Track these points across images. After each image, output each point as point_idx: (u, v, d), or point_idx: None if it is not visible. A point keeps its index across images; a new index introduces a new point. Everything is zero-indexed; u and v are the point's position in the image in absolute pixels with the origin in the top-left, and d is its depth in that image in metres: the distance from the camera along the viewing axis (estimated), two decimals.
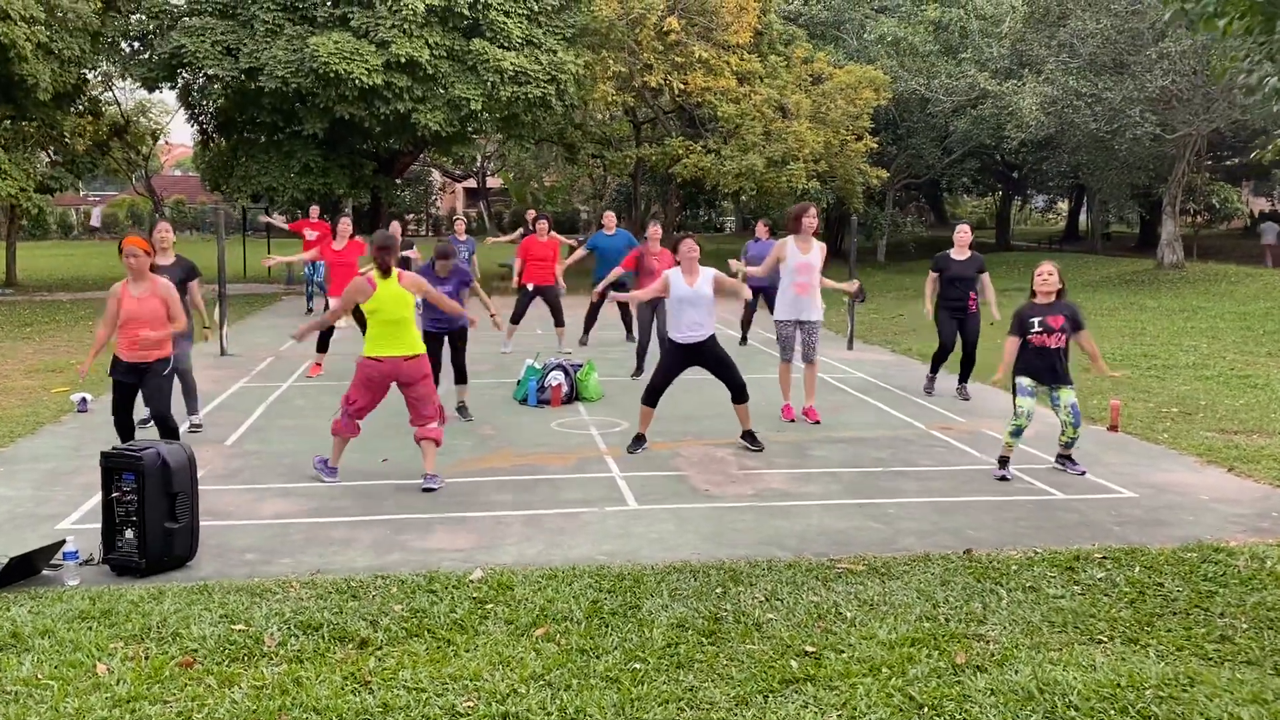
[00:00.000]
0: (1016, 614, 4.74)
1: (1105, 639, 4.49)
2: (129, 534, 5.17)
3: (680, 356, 7.86)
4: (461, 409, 9.27)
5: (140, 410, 8.20)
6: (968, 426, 8.87)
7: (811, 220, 8.83)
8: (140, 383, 6.66)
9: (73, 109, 22.26)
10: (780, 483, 7.06)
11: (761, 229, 13.57)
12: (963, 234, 9.95)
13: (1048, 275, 7.09)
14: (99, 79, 23.99)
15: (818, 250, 8.83)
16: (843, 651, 4.32)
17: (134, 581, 5.13)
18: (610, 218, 13.01)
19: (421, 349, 6.91)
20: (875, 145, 24.74)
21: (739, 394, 7.90)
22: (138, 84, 22.49)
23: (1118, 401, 9.01)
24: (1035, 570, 5.31)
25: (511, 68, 20.15)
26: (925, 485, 7.02)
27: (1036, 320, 7.04)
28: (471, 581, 5.07)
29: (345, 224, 11.44)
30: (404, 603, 4.81)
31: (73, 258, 36.38)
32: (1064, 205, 51.37)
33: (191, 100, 22.88)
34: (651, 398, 7.91)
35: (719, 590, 4.98)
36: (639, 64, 23.18)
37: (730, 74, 23.18)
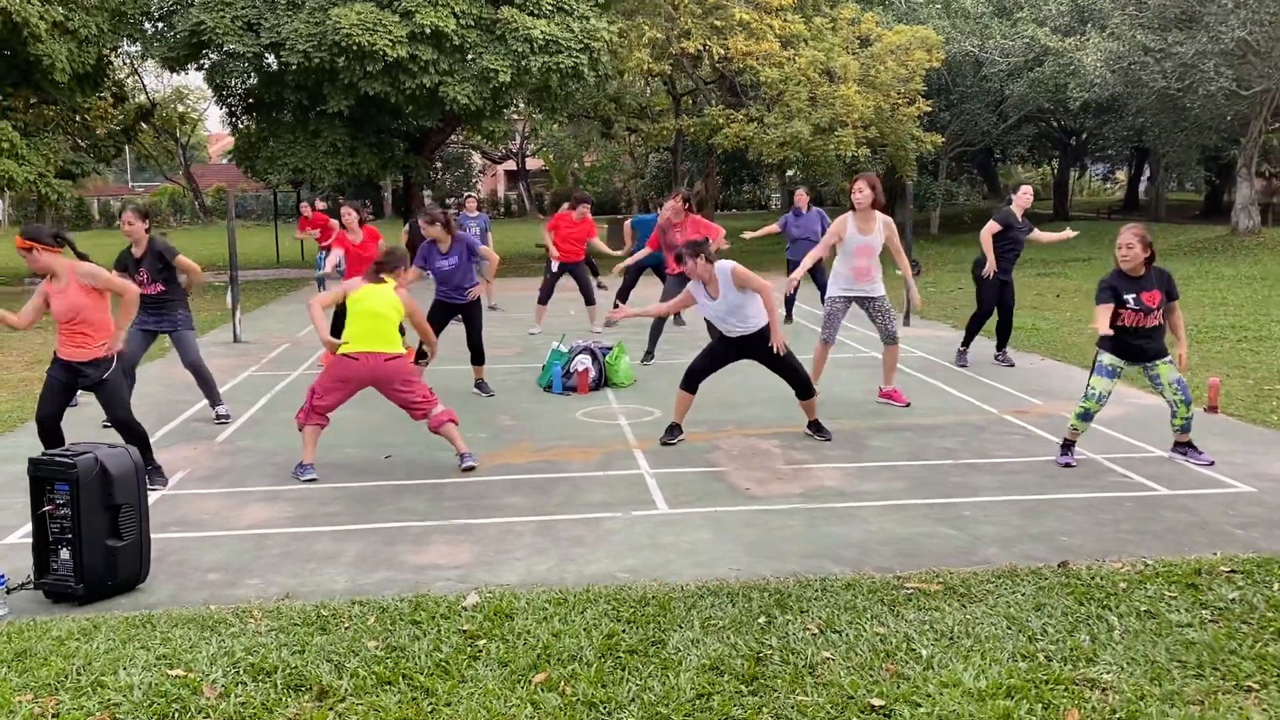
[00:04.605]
0: (1135, 649, 3.79)
1: (1256, 685, 3.53)
2: (64, 554, 4.39)
3: (729, 347, 6.94)
4: (480, 385, 8.64)
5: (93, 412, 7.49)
6: (1045, 409, 7.85)
7: (862, 195, 7.70)
8: (93, 390, 5.87)
9: (95, 93, 21.69)
10: (834, 479, 6.12)
11: (801, 198, 12.37)
12: (1025, 195, 9.51)
13: (1127, 249, 6.01)
14: (125, 62, 23.43)
15: (881, 227, 7.81)
16: (919, 705, 3.41)
17: (70, 611, 4.35)
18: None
19: (403, 350, 6.28)
20: (929, 108, 23.43)
21: (803, 390, 6.98)
22: (160, 64, 21.86)
23: (1216, 379, 7.93)
24: (1149, 588, 4.34)
25: (542, 36, 19.20)
26: (1003, 480, 6.04)
27: (1131, 297, 6.02)
28: (464, 609, 4.23)
29: (348, 214, 10.38)
30: (380, 638, 3.97)
31: (112, 246, 36.15)
32: (1122, 175, 49.38)
33: (218, 81, 22.26)
34: (691, 382, 6.98)
35: (762, 619, 4.08)
36: (676, 29, 22.12)
37: (773, 37, 22.02)
